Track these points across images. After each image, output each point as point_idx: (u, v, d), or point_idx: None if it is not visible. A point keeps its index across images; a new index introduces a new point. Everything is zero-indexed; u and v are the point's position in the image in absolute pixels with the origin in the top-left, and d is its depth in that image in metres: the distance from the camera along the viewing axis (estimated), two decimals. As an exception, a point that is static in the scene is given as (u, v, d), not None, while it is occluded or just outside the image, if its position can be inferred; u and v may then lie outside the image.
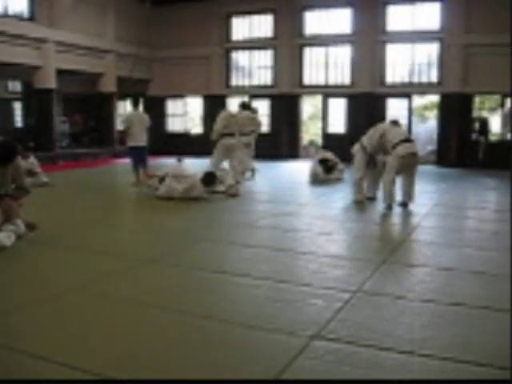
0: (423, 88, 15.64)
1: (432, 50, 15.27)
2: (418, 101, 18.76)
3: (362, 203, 7.95)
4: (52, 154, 14.67)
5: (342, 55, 16.33)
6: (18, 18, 14.12)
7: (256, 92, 17.35)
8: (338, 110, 16.41)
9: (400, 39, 15.55)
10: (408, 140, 7.50)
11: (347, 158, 9.68)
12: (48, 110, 14.93)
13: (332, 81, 16.55)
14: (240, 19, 17.55)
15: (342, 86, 16.33)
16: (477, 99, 15.47)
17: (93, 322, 3.30)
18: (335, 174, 10.96)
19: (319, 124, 17.89)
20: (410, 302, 3.66)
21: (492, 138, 15.20)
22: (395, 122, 8.04)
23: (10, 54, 13.53)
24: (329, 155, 11.20)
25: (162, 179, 8.26)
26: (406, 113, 15.52)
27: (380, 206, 7.60)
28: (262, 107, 15.49)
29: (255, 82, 17.65)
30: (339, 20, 16.17)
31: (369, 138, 7.80)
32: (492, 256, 5.01)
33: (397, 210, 7.37)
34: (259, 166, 13.23)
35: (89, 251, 5.04)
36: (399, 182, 7.56)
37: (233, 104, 16.46)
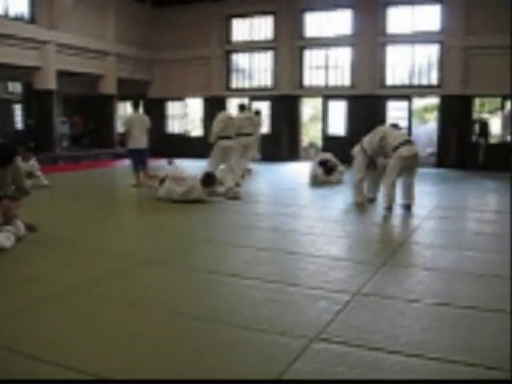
0: (423, 90, 15.63)
1: (432, 51, 15.25)
2: (418, 103, 18.75)
3: (362, 205, 7.95)
4: (52, 154, 14.68)
5: (342, 57, 16.32)
6: (19, 19, 14.13)
7: (256, 94, 17.33)
8: (338, 112, 16.38)
9: (400, 41, 15.53)
10: (409, 142, 7.50)
11: (347, 160, 9.67)
12: (48, 111, 14.94)
13: (332, 83, 16.55)
14: (240, 21, 17.55)
15: (342, 88, 16.33)
16: (477, 101, 15.45)
17: (90, 322, 3.29)
18: (335, 175, 10.94)
19: (319, 126, 17.89)
20: (410, 304, 3.66)
21: (492, 140, 15.18)
22: (395, 126, 8.06)
23: (10, 55, 13.55)
24: (328, 156, 11.19)
25: (162, 180, 8.29)
26: (406, 115, 15.51)
27: (380, 207, 7.60)
28: (262, 109, 15.48)
29: (255, 83, 17.64)
30: (339, 22, 16.16)
31: (369, 141, 7.80)
32: (492, 258, 5.00)
33: (397, 212, 7.37)
34: (259, 167, 13.25)
35: (87, 252, 5.04)
36: (399, 185, 7.55)
37: (233, 106, 16.46)
